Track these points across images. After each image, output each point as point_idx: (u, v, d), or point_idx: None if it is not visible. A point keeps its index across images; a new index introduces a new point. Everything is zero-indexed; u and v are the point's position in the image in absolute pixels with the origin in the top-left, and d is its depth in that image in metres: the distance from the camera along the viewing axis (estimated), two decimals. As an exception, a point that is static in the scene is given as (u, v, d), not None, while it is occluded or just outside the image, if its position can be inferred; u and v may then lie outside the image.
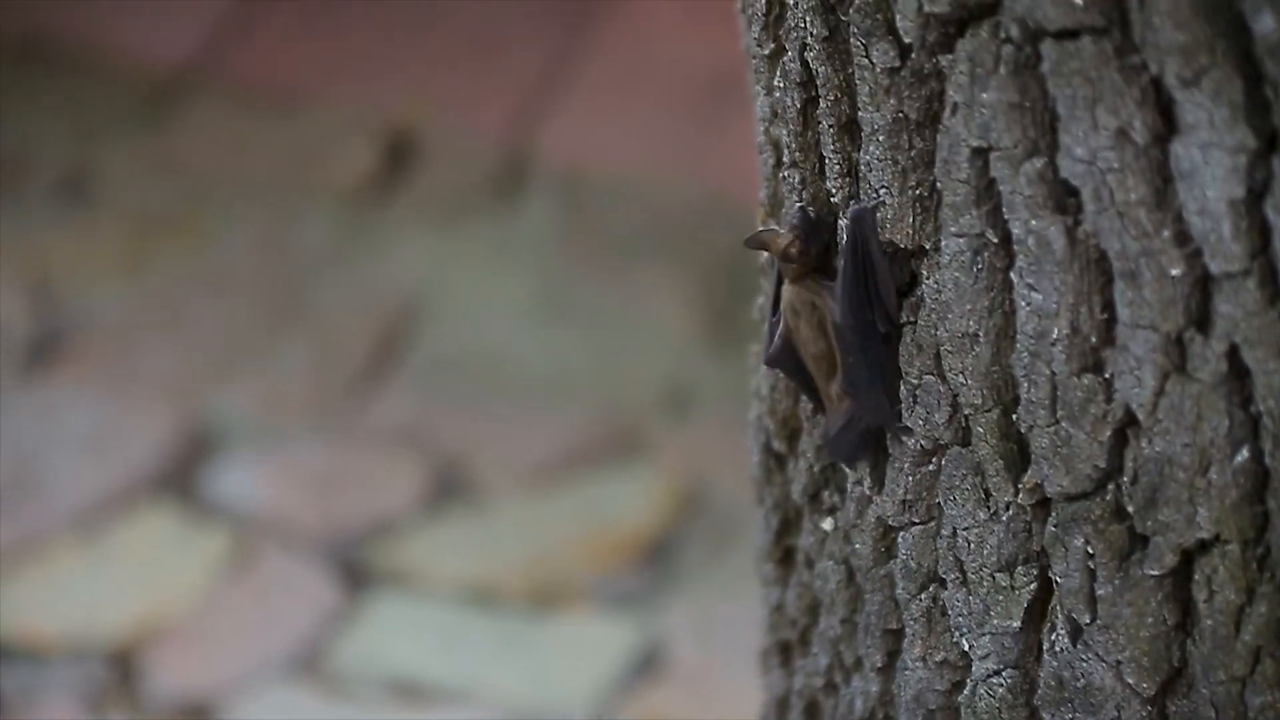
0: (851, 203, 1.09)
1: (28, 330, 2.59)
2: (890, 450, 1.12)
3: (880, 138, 1.07)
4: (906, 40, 1.04)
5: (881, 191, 1.08)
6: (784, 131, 1.13)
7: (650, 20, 2.90)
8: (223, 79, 2.86)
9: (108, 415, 2.50)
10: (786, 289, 1.12)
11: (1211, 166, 0.96)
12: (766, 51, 1.13)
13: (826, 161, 1.10)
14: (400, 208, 2.72)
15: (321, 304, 2.62)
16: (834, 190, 1.11)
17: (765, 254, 1.16)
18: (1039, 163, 1.01)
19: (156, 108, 2.83)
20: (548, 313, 2.60)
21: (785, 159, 1.14)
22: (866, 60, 1.05)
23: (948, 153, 1.04)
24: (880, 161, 1.07)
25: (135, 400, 2.51)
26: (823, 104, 1.09)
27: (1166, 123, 0.97)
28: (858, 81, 1.07)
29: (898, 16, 1.03)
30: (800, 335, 1.12)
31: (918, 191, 1.06)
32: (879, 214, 1.07)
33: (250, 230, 2.70)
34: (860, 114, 1.07)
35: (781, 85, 1.12)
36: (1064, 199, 1.01)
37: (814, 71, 1.09)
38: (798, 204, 1.11)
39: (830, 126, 1.09)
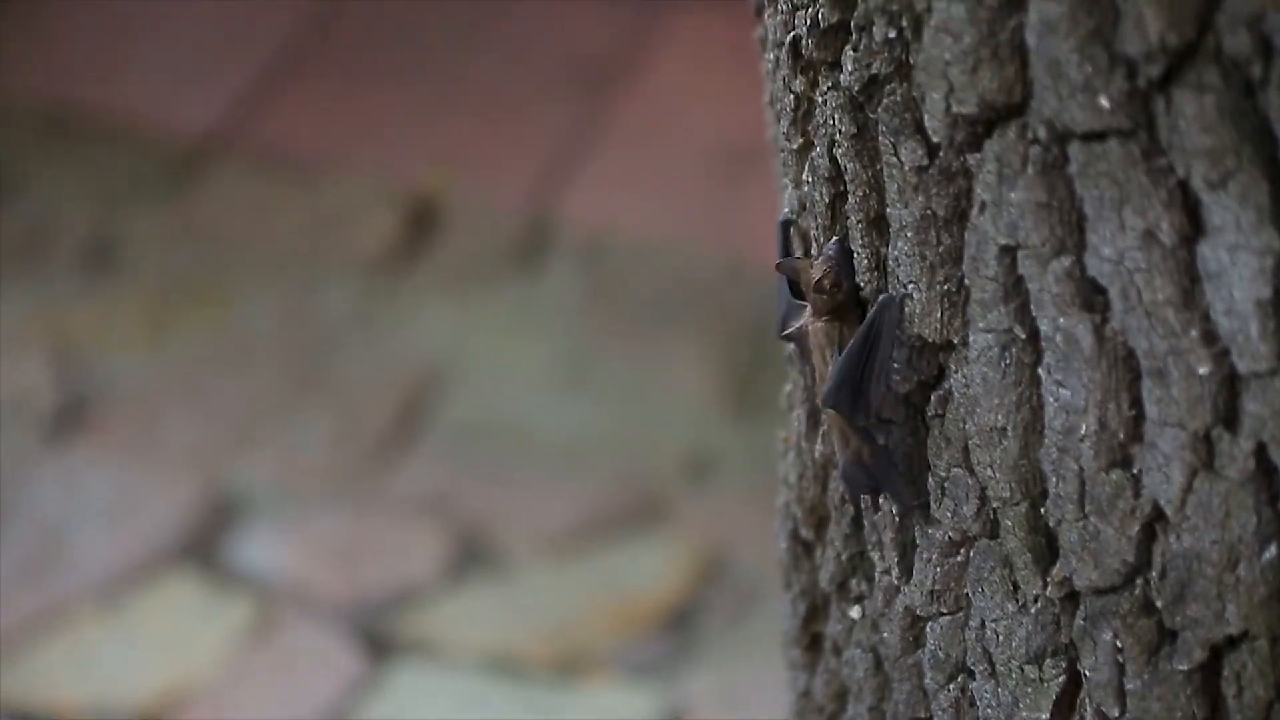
0: (880, 295, 1.09)
1: (51, 398, 2.60)
2: (918, 541, 1.13)
3: (909, 234, 1.08)
4: (935, 139, 1.05)
5: (909, 286, 1.08)
6: (812, 224, 1.14)
7: (671, 88, 2.92)
8: (246, 147, 2.87)
9: (130, 483, 2.51)
10: (812, 323, 1.12)
11: (1238, 268, 0.97)
12: (795, 146, 1.14)
13: (855, 256, 1.11)
14: (423, 275, 2.73)
15: (344, 371, 2.63)
16: (862, 284, 1.12)
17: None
18: (1067, 261, 1.02)
19: (180, 176, 2.85)
20: (570, 380, 2.61)
21: (814, 252, 1.15)
22: (895, 158, 1.06)
23: (976, 250, 1.05)
24: (908, 257, 1.08)
25: (158, 468, 2.52)
26: (851, 199, 1.10)
27: (1193, 224, 0.98)
28: (886, 178, 1.08)
29: (926, 116, 1.04)
30: (819, 371, 1.12)
31: (946, 287, 1.07)
32: (906, 309, 1.08)
33: (274, 298, 2.71)
34: (888, 210, 1.08)
35: (810, 180, 1.13)
36: (1092, 297, 1.02)
37: (842, 167, 1.10)
38: (835, 237, 1.11)
39: (859, 221, 1.10)
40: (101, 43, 3.00)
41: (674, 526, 2.44)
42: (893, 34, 1.04)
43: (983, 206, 1.04)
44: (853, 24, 1.07)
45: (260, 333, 2.68)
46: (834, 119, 1.09)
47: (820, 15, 1.08)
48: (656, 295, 2.70)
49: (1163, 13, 0.95)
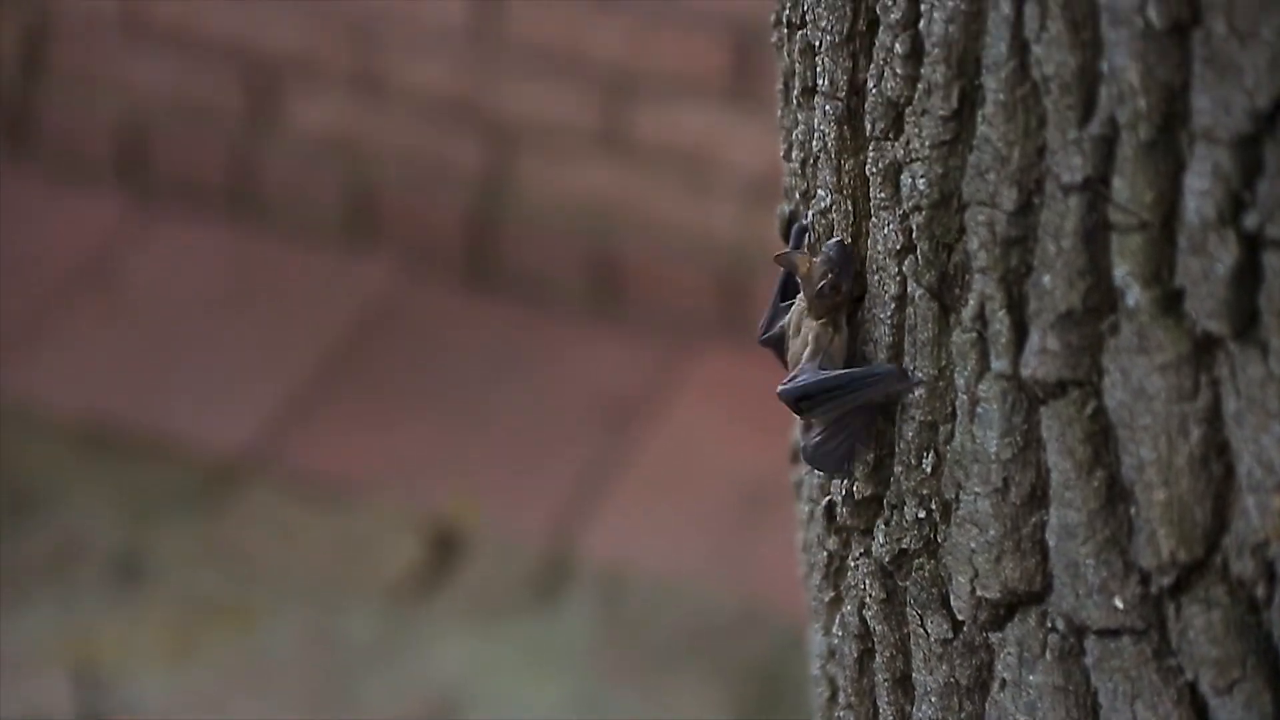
0: (888, 364, 1.08)
1: (70, 715, 2.64)
2: None
3: (933, 698, 1.14)
4: (959, 616, 1.11)
5: (934, 743, 1.15)
6: (840, 673, 1.20)
7: (691, 426, 3.00)
8: (276, 468, 2.95)
9: (145, 805, 2.53)
10: (799, 310, 1.09)
11: (1244, 765, 1.03)
12: (826, 599, 1.21)
13: (880, 712, 1.17)
14: (443, 603, 2.79)
15: (362, 698, 2.68)
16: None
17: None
18: (1080, 741, 1.08)
19: (210, 494, 2.92)
20: (582, 717, 2.65)
21: (840, 699, 1.21)
22: (921, 628, 1.13)
23: (996, 722, 1.12)
24: (932, 720, 1.14)
25: (174, 790, 2.55)
26: (879, 658, 1.17)
27: (1202, 723, 1.05)
28: (912, 644, 1.14)
29: (952, 594, 1.11)
30: (791, 351, 1.11)
31: (968, 745, 1.13)
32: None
33: (297, 621, 2.77)
34: (914, 674, 1.15)
35: (840, 634, 1.19)
36: (1105, 778, 1.08)
37: (871, 628, 1.17)
38: (836, 238, 1.08)
39: (885, 680, 1.17)
40: (137, 360, 3.09)
41: None
42: (922, 514, 1.12)
43: (1003, 683, 1.10)
44: (885, 500, 1.14)
45: (282, 655, 2.73)
46: (865, 582, 1.16)
47: (855, 488, 1.15)
48: (671, 634, 2.75)
49: (1174, 531, 1.02)
